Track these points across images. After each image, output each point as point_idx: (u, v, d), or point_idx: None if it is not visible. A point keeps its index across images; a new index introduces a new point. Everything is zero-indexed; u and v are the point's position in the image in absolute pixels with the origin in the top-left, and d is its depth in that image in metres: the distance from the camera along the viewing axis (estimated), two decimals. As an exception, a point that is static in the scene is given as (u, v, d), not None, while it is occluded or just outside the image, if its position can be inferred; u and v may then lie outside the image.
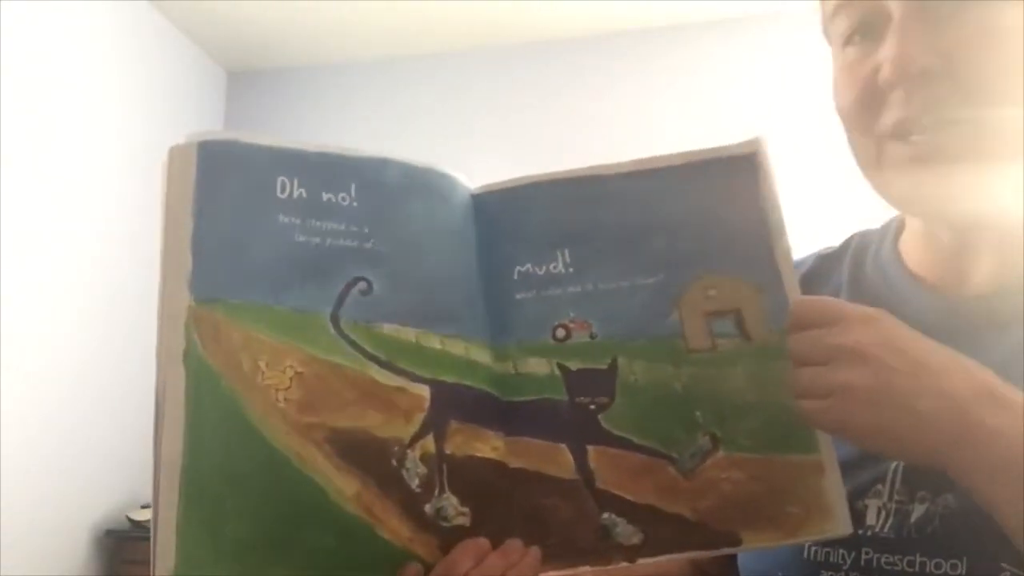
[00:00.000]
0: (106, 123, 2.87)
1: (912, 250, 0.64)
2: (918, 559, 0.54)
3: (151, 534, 0.47)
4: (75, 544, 2.69)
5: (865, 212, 0.71)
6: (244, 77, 3.60)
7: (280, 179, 0.54)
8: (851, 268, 0.66)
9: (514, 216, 0.58)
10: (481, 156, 3.26)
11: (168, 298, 0.50)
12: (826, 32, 0.64)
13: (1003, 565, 0.50)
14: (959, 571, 0.52)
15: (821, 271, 0.68)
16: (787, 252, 0.56)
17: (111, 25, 2.93)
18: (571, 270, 0.57)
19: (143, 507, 2.73)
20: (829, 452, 0.53)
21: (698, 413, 0.54)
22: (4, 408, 2.40)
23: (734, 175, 0.57)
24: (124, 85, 2.97)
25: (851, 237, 0.70)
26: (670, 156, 0.58)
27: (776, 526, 0.53)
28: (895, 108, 0.55)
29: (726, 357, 0.54)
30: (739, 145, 0.58)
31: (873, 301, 0.61)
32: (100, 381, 2.75)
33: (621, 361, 0.55)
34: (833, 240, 0.71)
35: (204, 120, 3.43)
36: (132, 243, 2.78)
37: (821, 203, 2.66)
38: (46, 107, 2.63)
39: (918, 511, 0.55)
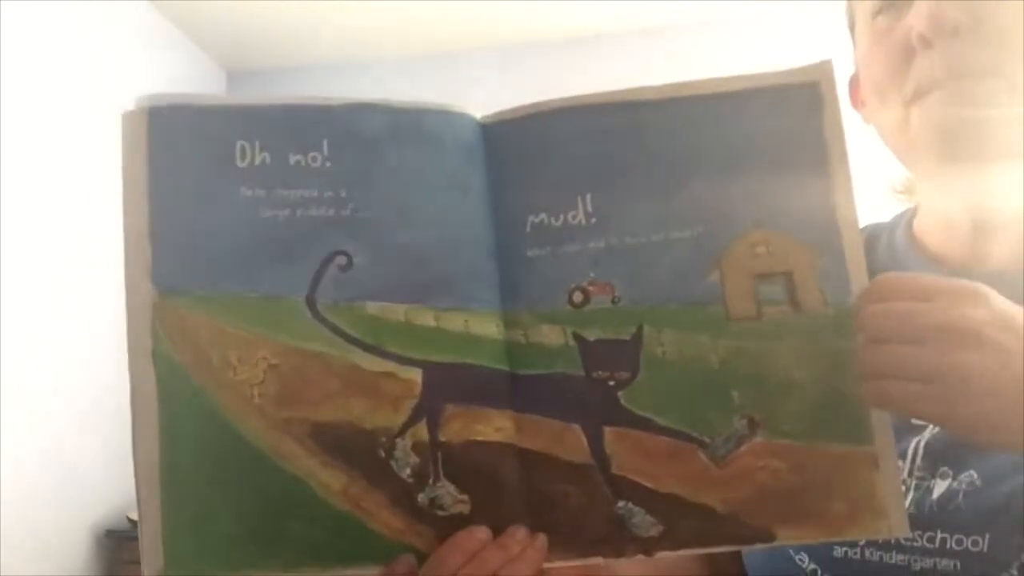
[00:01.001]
0: (106, 123, 2.87)
1: (928, 232, 0.64)
2: (939, 535, 0.53)
3: (139, 537, 0.47)
4: (75, 544, 2.69)
5: (868, 209, 0.71)
6: (244, 77, 3.60)
7: (240, 144, 0.48)
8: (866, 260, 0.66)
9: (529, 151, 0.50)
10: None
11: (132, 292, 0.48)
12: (851, 15, 0.65)
13: None
14: (980, 547, 0.52)
15: None
16: (850, 210, 0.48)
17: (111, 25, 2.92)
18: (593, 220, 0.49)
19: (143, 507, 2.73)
20: (886, 444, 0.47)
21: (735, 393, 0.47)
22: (4, 408, 2.39)
23: (793, 109, 0.48)
24: (124, 85, 2.97)
25: (862, 228, 0.69)
26: (717, 80, 0.50)
27: (817, 522, 0.47)
28: (928, 64, 0.55)
29: (772, 328, 0.47)
30: (799, 71, 0.49)
31: None
32: (100, 381, 2.75)
33: (648, 330, 0.48)
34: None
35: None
36: (132, 243, 2.78)
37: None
38: (46, 107, 2.63)
39: (940, 487, 0.54)
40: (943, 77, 0.54)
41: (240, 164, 0.48)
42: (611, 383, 0.49)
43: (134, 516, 2.90)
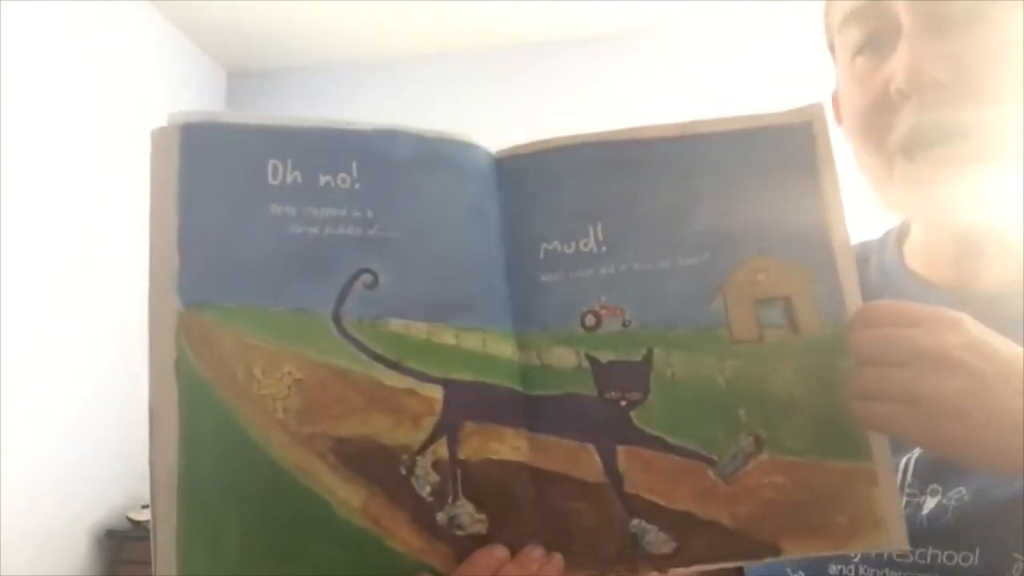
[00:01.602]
0: (106, 123, 2.87)
1: (917, 253, 0.64)
2: (930, 551, 0.53)
3: (151, 547, 0.46)
4: (75, 544, 2.69)
5: (862, 218, 0.71)
6: (244, 77, 3.60)
7: (272, 163, 0.49)
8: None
9: (541, 184, 0.53)
10: (481, 156, 3.27)
11: (156, 303, 0.47)
12: (831, 43, 0.64)
13: (1016, 556, 0.50)
14: (971, 563, 0.52)
15: None
16: (844, 236, 0.50)
17: (111, 25, 2.93)
18: (604, 248, 0.51)
19: (143, 507, 2.73)
20: (884, 460, 0.49)
21: (741, 411, 0.49)
22: (4, 408, 2.40)
23: (788, 146, 0.52)
24: (124, 85, 2.97)
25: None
26: (719, 120, 0.52)
27: (821, 536, 0.49)
28: (907, 120, 0.54)
29: (774, 350, 0.49)
30: (794, 112, 0.52)
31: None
32: (100, 380, 2.75)
33: (657, 352, 0.50)
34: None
35: (204, 120, 3.43)
36: (133, 245, 2.78)
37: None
38: (46, 107, 2.63)
39: (930, 503, 0.54)
40: (923, 133, 0.54)
41: (272, 182, 0.49)
42: (623, 403, 0.50)
43: (134, 516, 2.92)
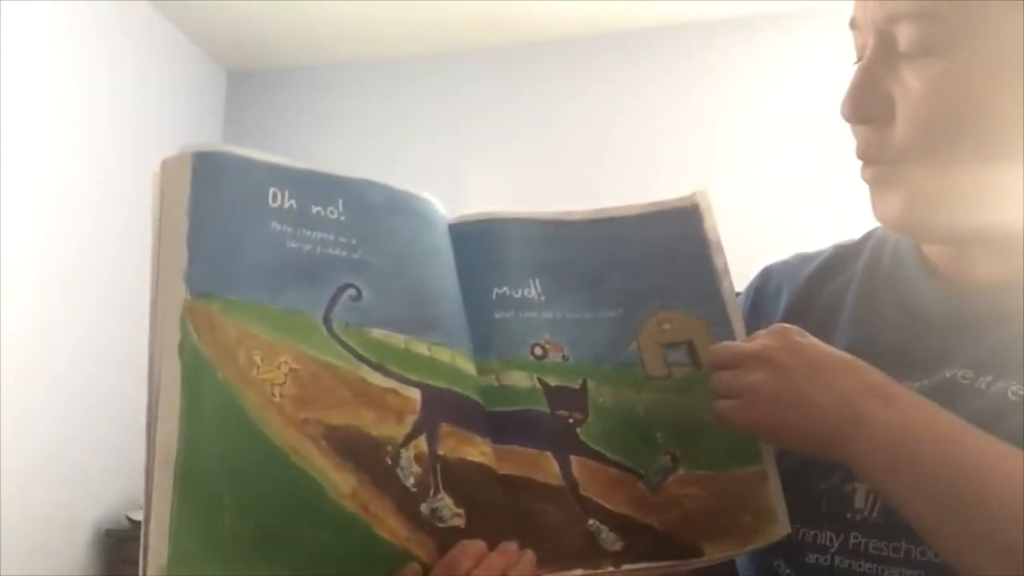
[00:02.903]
0: (106, 123, 2.87)
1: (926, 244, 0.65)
2: (904, 545, 0.54)
3: (142, 532, 0.46)
4: (75, 544, 2.69)
5: (864, 211, 0.71)
6: (244, 77, 3.60)
7: (272, 189, 0.55)
8: (867, 261, 0.67)
9: (488, 244, 0.62)
10: (481, 156, 3.27)
11: (163, 292, 0.50)
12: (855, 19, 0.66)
13: None
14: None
15: (836, 263, 0.69)
16: (731, 290, 0.62)
17: (111, 25, 2.93)
18: (543, 298, 0.61)
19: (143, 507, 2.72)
20: (771, 460, 0.57)
21: (659, 434, 0.58)
22: (4, 408, 2.40)
23: (682, 223, 0.64)
24: (124, 85, 2.97)
25: (872, 231, 0.70)
26: (624, 207, 0.65)
27: (733, 537, 0.57)
28: (855, 137, 0.59)
29: (681, 383, 0.59)
30: (684, 198, 0.65)
31: (882, 291, 0.64)
32: (100, 381, 2.75)
33: (590, 384, 0.59)
34: (851, 235, 0.72)
35: (204, 120, 3.43)
36: (133, 245, 2.78)
37: (822, 203, 2.66)
38: (45, 107, 2.63)
39: (861, 492, 0.56)
40: (861, 153, 0.58)
41: (272, 204, 0.55)
42: (571, 420, 0.58)
43: (134, 516, 2.92)
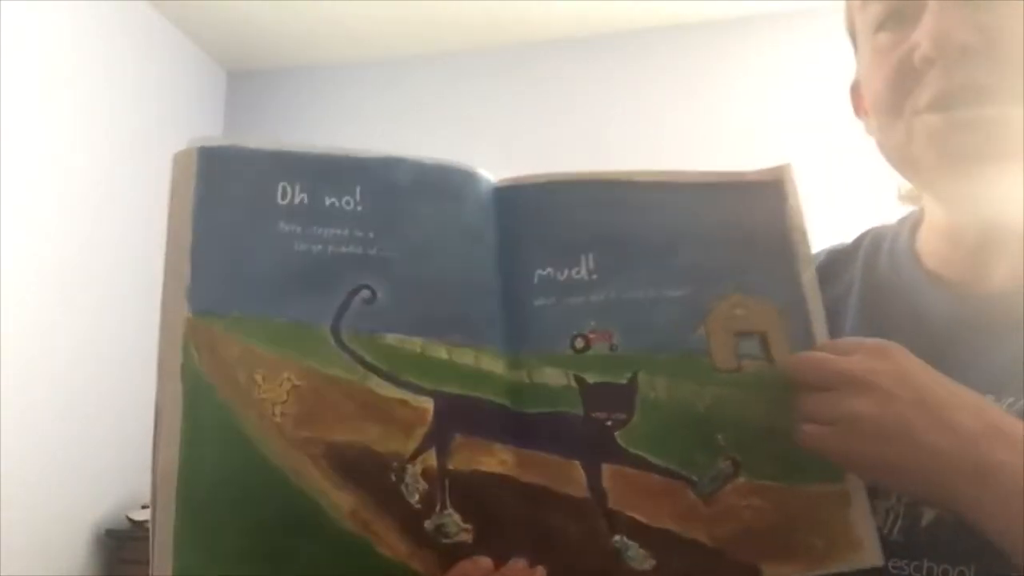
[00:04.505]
0: (106, 123, 2.87)
1: (930, 246, 0.63)
2: (925, 564, 0.53)
3: (150, 545, 0.47)
4: (75, 544, 2.69)
5: (871, 211, 0.71)
6: (244, 77, 3.60)
7: (281, 185, 0.52)
8: (864, 265, 0.66)
9: (538, 214, 0.56)
10: (480, 156, 3.26)
11: (167, 310, 0.50)
12: (851, 29, 0.64)
13: (1011, 571, 0.49)
14: None
15: (832, 268, 0.67)
16: (813, 282, 0.55)
17: (111, 25, 2.93)
18: (595, 277, 0.54)
19: (143, 507, 2.73)
20: (855, 480, 0.51)
21: (720, 436, 0.52)
22: (4, 408, 2.40)
23: (762, 199, 0.57)
24: (124, 85, 2.97)
25: (864, 233, 0.69)
26: (701, 173, 0.57)
27: (798, 558, 0.51)
28: (932, 85, 0.54)
29: (751, 380, 0.53)
30: (766, 171, 0.58)
31: (886, 295, 0.62)
32: (100, 381, 2.75)
33: (642, 376, 0.53)
34: (847, 237, 0.71)
35: (204, 120, 3.43)
36: (133, 245, 2.79)
37: (828, 204, 2.66)
38: (46, 107, 2.63)
39: (928, 516, 0.54)
40: (948, 96, 0.54)
41: (281, 202, 0.52)
42: (608, 423, 0.52)
43: (134, 516, 2.93)
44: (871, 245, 0.67)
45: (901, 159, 0.59)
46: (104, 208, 2.82)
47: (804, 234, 0.56)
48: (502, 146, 3.23)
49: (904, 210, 0.67)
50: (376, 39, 3.35)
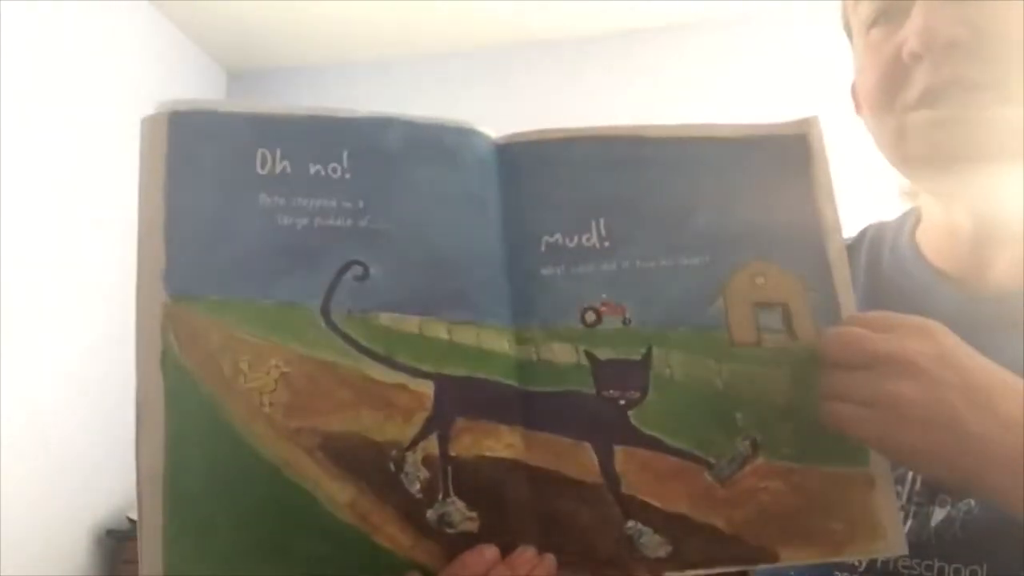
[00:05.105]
0: (106, 123, 2.87)
1: (931, 242, 0.63)
2: (936, 564, 0.52)
3: (139, 547, 0.45)
4: (75, 544, 2.69)
5: (872, 209, 0.71)
6: (244, 77, 3.60)
7: (261, 151, 0.48)
8: (867, 260, 0.65)
9: (544, 175, 0.51)
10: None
11: (143, 295, 0.47)
12: (847, 26, 0.64)
13: (1023, 572, 0.50)
14: None
15: None
16: (840, 251, 0.51)
17: (111, 25, 2.92)
18: (606, 244, 0.50)
19: (143, 507, 2.72)
20: (881, 464, 0.48)
21: (739, 415, 0.49)
22: (4, 408, 2.39)
23: (785, 157, 0.52)
24: (124, 85, 2.97)
25: (866, 228, 0.68)
26: (719, 126, 0.53)
27: (817, 542, 0.48)
28: (920, 81, 0.54)
29: (771, 355, 0.49)
30: (791, 124, 0.52)
31: (891, 293, 0.61)
32: (100, 381, 2.75)
33: (657, 352, 0.49)
34: (847, 233, 0.70)
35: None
36: (133, 243, 2.78)
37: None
38: (46, 107, 2.63)
39: (938, 515, 0.53)
40: (937, 91, 0.53)
41: (260, 171, 0.48)
42: (621, 402, 0.49)
43: (134, 516, 2.91)
44: (873, 240, 0.66)
45: (895, 155, 0.59)
46: (105, 209, 2.81)
47: (831, 196, 0.51)
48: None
49: (904, 207, 0.67)
50: (376, 39, 3.35)
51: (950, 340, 0.45)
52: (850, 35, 0.64)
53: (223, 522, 0.46)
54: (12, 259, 2.46)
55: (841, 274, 0.50)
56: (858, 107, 0.65)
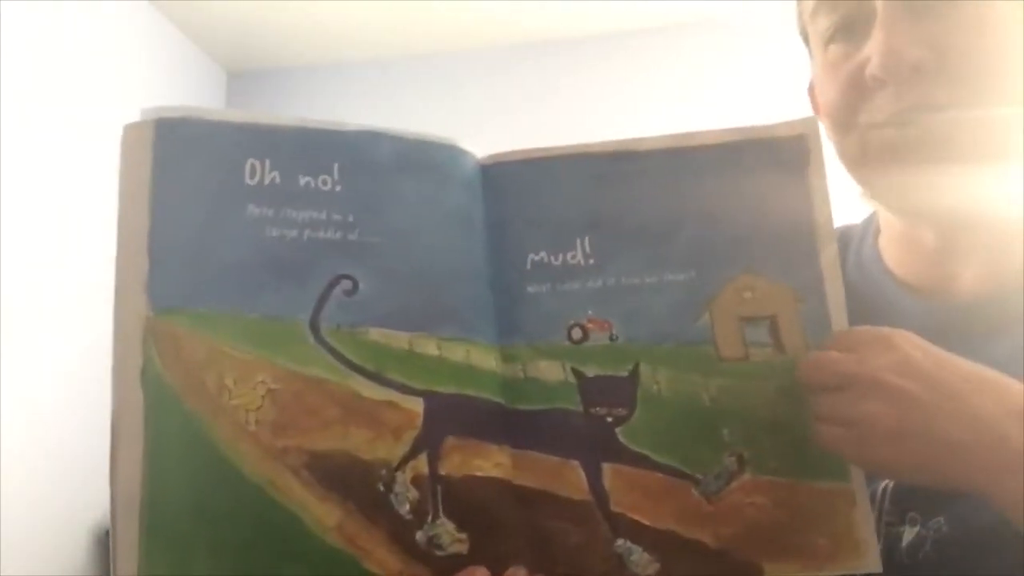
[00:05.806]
0: (106, 123, 2.87)
1: (892, 251, 0.62)
2: None
3: (111, 570, 0.43)
4: (75, 544, 2.69)
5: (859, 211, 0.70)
6: (244, 77, 3.60)
7: (250, 162, 0.47)
8: None
9: (529, 193, 0.51)
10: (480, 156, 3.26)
11: (123, 307, 0.44)
12: (804, 33, 0.63)
13: None
14: None
15: None
16: (833, 261, 0.50)
17: (111, 25, 2.92)
18: (591, 261, 0.50)
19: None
20: (861, 482, 0.49)
21: (725, 430, 0.49)
22: (4, 408, 2.40)
23: (782, 159, 0.50)
24: (124, 85, 2.97)
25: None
26: (711, 132, 0.51)
27: (802, 558, 0.48)
28: (885, 105, 0.53)
29: (758, 369, 0.49)
30: (787, 125, 0.51)
31: (857, 302, 0.61)
32: (100, 381, 2.75)
33: (644, 368, 0.49)
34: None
35: (204, 120, 3.42)
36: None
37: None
38: (46, 107, 2.63)
39: (909, 534, 0.53)
40: (903, 114, 0.53)
41: (249, 182, 0.47)
42: (609, 419, 0.49)
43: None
44: (839, 245, 0.67)
45: (857, 171, 0.58)
46: (106, 210, 2.81)
47: (827, 201, 0.50)
48: (501, 147, 3.22)
49: (867, 209, 0.66)
50: (375, 39, 3.35)
51: (912, 347, 0.45)
52: (806, 41, 0.63)
53: (203, 547, 0.44)
54: (12, 259, 2.46)
55: (833, 284, 0.50)
56: (816, 109, 0.64)
